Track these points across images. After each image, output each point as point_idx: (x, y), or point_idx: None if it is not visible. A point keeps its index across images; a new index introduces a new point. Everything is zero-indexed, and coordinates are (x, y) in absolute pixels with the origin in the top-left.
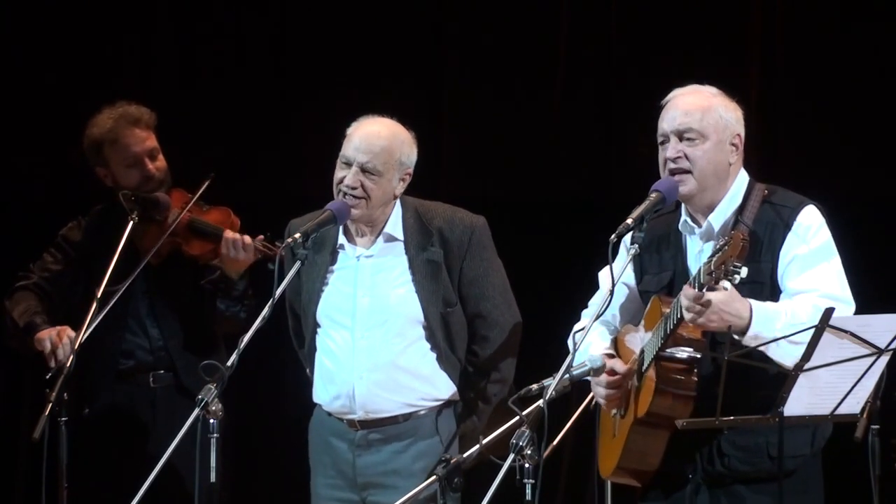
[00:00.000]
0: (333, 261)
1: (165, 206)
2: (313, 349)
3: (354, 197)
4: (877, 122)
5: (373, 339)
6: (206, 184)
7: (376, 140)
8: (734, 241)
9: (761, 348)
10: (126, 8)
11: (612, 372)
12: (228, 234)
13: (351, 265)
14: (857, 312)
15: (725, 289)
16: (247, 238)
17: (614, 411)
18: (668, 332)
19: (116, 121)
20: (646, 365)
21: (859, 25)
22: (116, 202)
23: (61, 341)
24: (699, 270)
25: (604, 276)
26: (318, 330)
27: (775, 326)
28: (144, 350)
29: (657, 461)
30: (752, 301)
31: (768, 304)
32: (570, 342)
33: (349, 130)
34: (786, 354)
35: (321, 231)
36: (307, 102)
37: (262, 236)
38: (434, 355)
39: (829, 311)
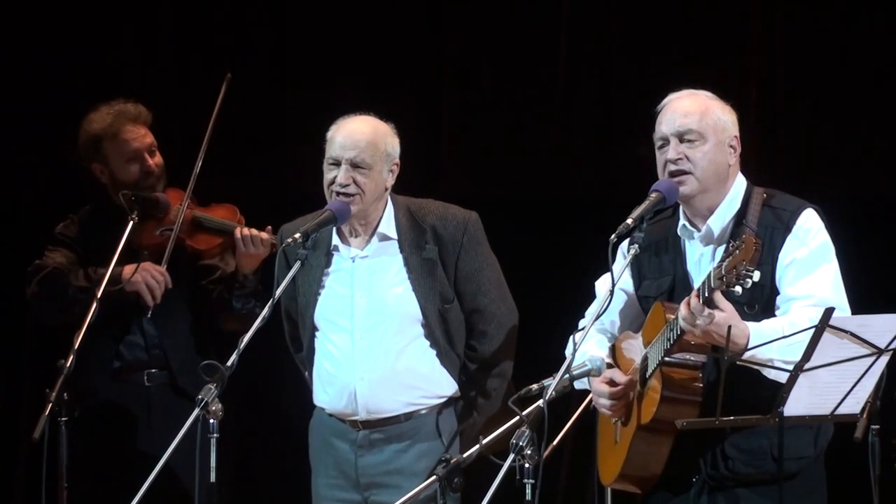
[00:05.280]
0: (328, 263)
1: (165, 206)
2: (312, 352)
3: (349, 194)
4: (876, 121)
5: (373, 340)
6: (224, 87)
7: (359, 135)
8: (747, 245)
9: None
10: (126, 8)
11: (612, 382)
12: (243, 230)
13: (346, 267)
14: (858, 313)
15: (738, 293)
16: (263, 233)
17: (615, 419)
18: (675, 338)
19: (116, 116)
20: (650, 371)
21: (859, 26)
22: (109, 201)
23: (153, 277)
24: (709, 275)
25: (601, 284)
26: (317, 333)
27: (772, 348)
28: (140, 348)
29: (660, 468)
30: (750, 324)
31: (765, 326)
32: (570, 344)
33: (329, 133)
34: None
35: (320, 231)
36: (307, 102)
37: (268, 233)
38: (434, 352)
39: (829, 311)
